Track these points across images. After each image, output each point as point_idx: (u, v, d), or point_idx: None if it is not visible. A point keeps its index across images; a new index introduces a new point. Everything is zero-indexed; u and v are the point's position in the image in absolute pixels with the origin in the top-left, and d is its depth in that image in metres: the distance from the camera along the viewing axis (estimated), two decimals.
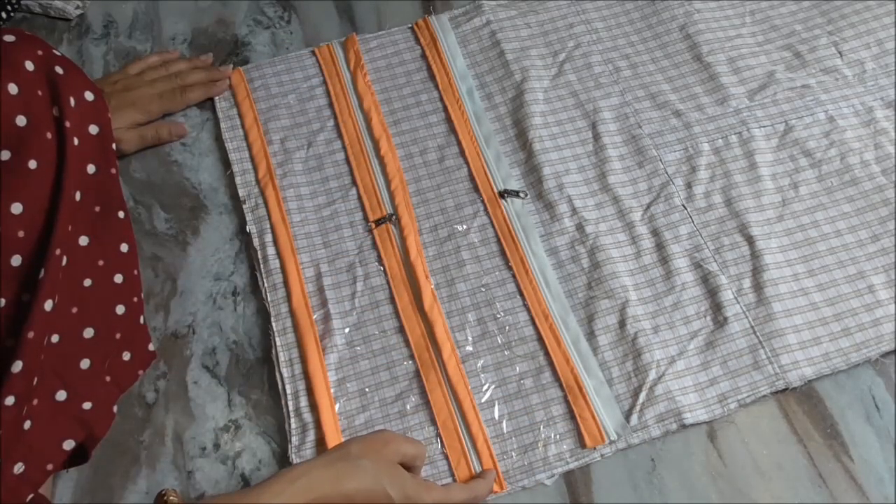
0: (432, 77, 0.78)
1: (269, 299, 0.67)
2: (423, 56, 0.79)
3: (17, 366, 0.49)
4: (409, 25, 0.81)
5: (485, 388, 0.63)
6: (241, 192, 0.72)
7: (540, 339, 0.64)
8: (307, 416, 0.61)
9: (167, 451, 0.60)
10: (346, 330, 0.65)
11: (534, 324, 0.65)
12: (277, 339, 0.65)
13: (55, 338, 0.52)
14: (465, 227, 0.70)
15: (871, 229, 0.68)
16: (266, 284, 0.67)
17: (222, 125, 0.76)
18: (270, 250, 0.69)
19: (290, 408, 0.62)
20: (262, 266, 0.68)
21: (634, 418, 0.60)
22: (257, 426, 0.62)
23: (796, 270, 0.65)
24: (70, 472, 0.59)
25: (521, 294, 0.66)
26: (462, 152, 0.74)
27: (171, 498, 0.48)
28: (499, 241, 0.69)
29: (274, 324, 0.65)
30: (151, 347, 0.62)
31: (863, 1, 0.80)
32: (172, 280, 0.68)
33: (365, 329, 0.66)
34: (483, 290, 0.67)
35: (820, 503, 0.57)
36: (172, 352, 0.65)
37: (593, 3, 0.82)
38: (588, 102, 0.75)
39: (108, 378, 0.57)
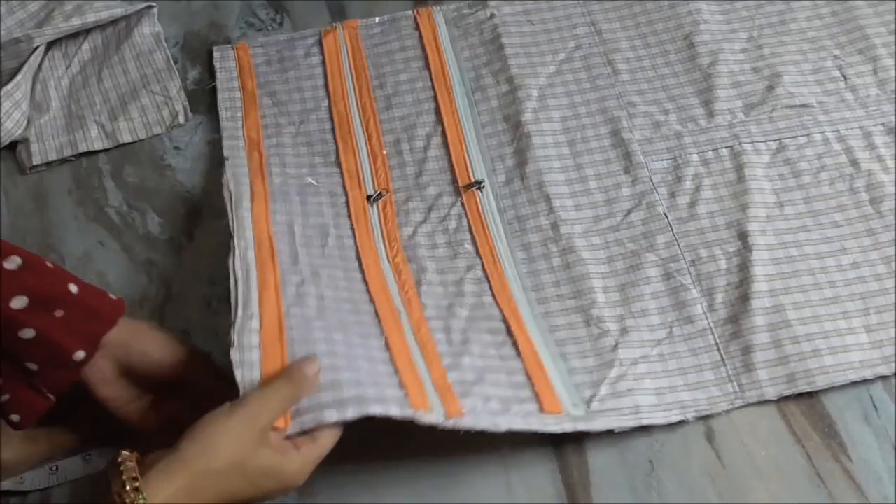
0: (428, 66, 0.79)
1: (234, 227, 0.63)
2: (422, 44, 0.80)
3: None
4: (412, 11, 0.82)
5: (450, 342, 0.62)
6: (225, 153, 0.71)
7: (504, 320, 0.64)
8: (253, 305, 0.58)
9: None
10: (314, 265, 0.64)
11: (499, 307, 0.65)
12: (236, 252, 0.61)
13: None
14: (442, 213, 0.70)
15: (853, 256, 0.67)
16: (234, 217, 0.64)
17: (220, 95, 0.76)
18: (245, 191, 0.66)
19: (238, 296, 0.58)
20: (233, 207, 0.65)
21: (595, 405, 0.60)
22: None
23: (774, 286, 0.65)
24: (68, 474, 0.60)
25: (488, 280, 0.66)
26: (446, 142, 0.74)
27: (128, 463, 0.47)
28: (471, 230, 0.69)
29: (236, 241, 0.62)
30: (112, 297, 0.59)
31: (873, 27, 0.79)
32: (167, 285, 0.68)
33: (332, 271, 0.64)
34: (453, 271, 0.67)
35: (818, 503, 0.57)
36: None
37: (601, 5, 0.82)
38: (581, 104, 0.75)
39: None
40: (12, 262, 0.51)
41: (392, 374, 0.57)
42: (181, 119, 0.76)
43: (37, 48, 0.77)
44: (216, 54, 0.79)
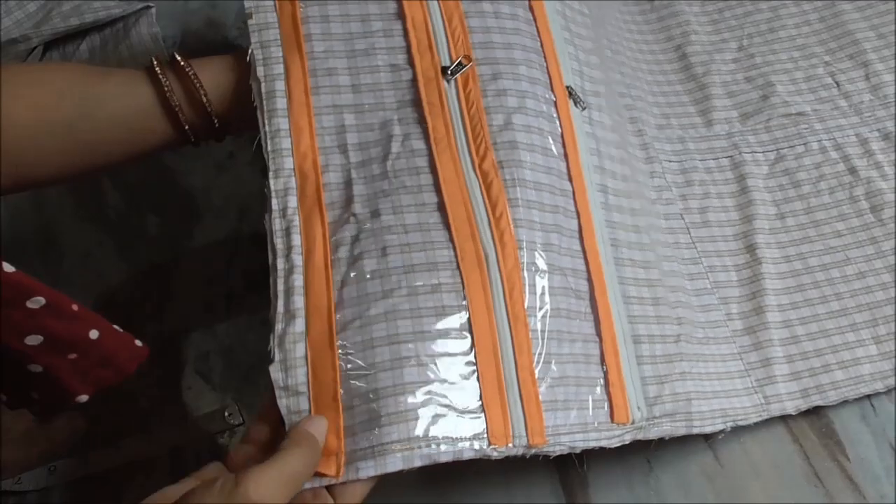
0: None
1: (269, 148, 0.50)
2: None
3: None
4: None
5: (539, 319, 0.49)
6: (247, 6, 0.55)
7: (589, 278, 0.53)
8: (298, 300, 0.47)
9: (161, 459, 0.60)
10: (373, 195, 0.50)
11: (585, 257, 0.53)
12: (274, 202, 0.49)
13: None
14: (539, 107, 0.55)
15: (857, 266, 0.66)
16: (268, 128, 0.51)
17: None
18: (279, 85, 0.52)
19: (279, 286, 0.47)
20: (264, 103, 0.51)
21: (657, 409, 0.53)
22: None
23: (780, 301, 0.64)
24: (66, 474, 0.59)
25: (578, 217, 0.54)
26: (535, 21, 0.58)
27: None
28: (564, 144, 0.55)
29: (272, 182, 0.50)
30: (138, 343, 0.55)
31: (862, 32, 0.79)
32: (166, 285, 0.68)
33: (398, 198, 0.50)
34: (549, 190, 0.53)
35: (816, 503, 0.57)
36: (166, 357, 0.65)
37: None
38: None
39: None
40: (35, 303, 0.51)
41: (474, 386, 0.46)
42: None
43: (35, 49, 0.76)
44: None
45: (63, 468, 0.60)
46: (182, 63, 0.54)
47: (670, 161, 0.70)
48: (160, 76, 0.54)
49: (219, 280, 0.68)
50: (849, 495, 0.57)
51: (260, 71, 0.52)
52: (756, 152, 0.72)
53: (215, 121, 0.55)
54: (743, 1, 0.82)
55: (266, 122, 0.51)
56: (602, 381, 0.50)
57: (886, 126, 0.73)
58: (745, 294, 0.64)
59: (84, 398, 0.52)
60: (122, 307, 0.67)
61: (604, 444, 0.49)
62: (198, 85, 0.54)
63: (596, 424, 0.49)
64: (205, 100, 0.54)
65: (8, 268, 0.45)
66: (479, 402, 0.45)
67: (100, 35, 0.79)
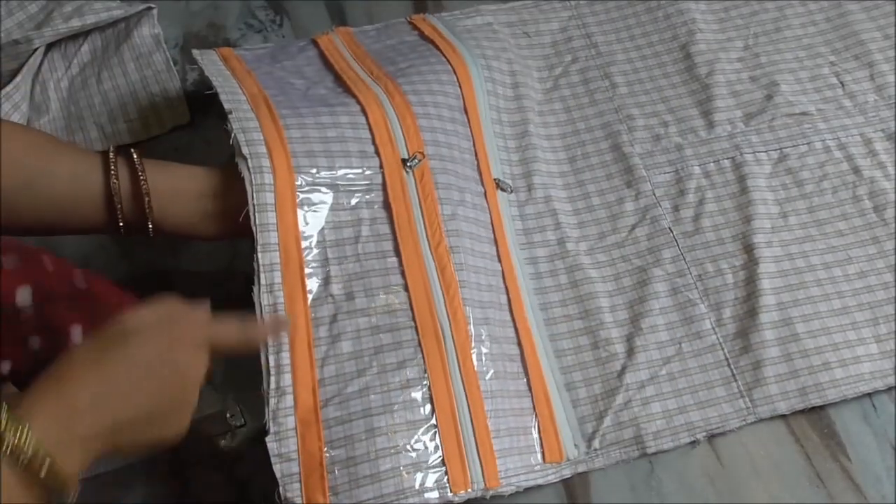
0: (437, 46, 0.71)
1: (256, 222, 0.55)
2: (424, 37, 0.73)
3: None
4: (404, 18, 0.78)
5: (481, 375, 0.57)
6: (226, 106, 0.59)
7: (519, 343, 0.61)
8: (286, 378, 0.53)
9: (162, 460, 0.60)
10: (348, 277, 0.57)
11: (515, 326, 0.62)
12: (262, 277, 0.54)
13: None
14: (474, 200, 0.64)
15: (859, 265, 0.66)
16: (255, 202, 0.55)
17: (207, 72, 0.65)
18: (265, 162, 0.56)
19: (270, 363, 0.53)
20: (252, 178, 0.55)
21: (596, 442, 0.59)
22: (253, 433, 0.61)
23: (782, 299, 0.64)
24: None
25: (507, 292, 0.63)
26: (469, 122, 0.67)
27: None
28: (493, 230, 0.64)
29: (260, 256, 0.55)
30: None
31: (868, 32, 0.79)
32: (168, 288, 0.68)
33: (368, 280, 0.57)
34: (485, 273, 0.61)
35: (818, 503, 0.57)
36: None
37: (595, 18, 0.81)
38: (580, 120, 0.74)
39: None
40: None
41: (437, 445, 0.53)
42: (181, 120, 0.76)
43: (36, 50, 0.76)
44: (195, 52, 0.69)
45: None
46: (137, 164, 0.55)
47: (664, 173, 0.71)
48: (112, 171, 0.54)
49: (220, 282, 0.68)
50: (850, 496, 0.58)
51: (245, 150, 0.56)
52: (759, 152, 0.72)
53: (150, 227, 0.56)
54: (749, 0, 0.82)
55: (254, 195, 0.55)
56: (535, 429, 0.58)
57: (890, 126, 0.74)
58: (740, 296, 0.65)
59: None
60: None
61: (540, 482, 0.56)
62: (146, 190, 0.54)
63: (534, 466, 0.56)
64: (147, 206, 0.54)
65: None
66: (441, 458, 0.52)
67: (101, 36, 0.80)
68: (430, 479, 0.52)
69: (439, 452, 0.53)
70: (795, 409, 0.60)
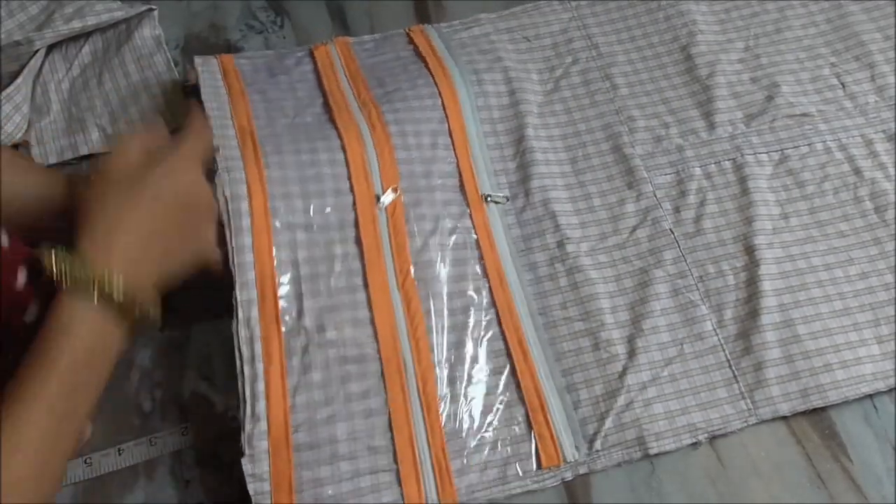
0: (428, 68, 0.75)
1: (235, 261, 0.60)
2: (418, 53, 0.77)
3: None
4: (403, 30, 0.80)
5: (454, 398, 0.61)
6: (215, 142, 0.65)
7: (509, 353, 0.63)
8: (261, 405, 0.58)
9: (164, 461, 0.60)
10: (319, 311, 0.62)
11: (504, 338, 0.63)
12: (240, 312, 0.60)
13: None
14: (451, 224, 0.67)
15: (860, 266, 0.66)
16: (234, 243, 0.61)
17: (203, 92, 0.70)
18: (243, 205, 0.62)
19: (247, 392, 0.58)
20: (231, 220, 0.61)
21: (598, 444, 0.59)
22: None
23: (783, 301, 0.64)
24: (69, 478, 0.59)
25: (495, 305, 0.64)
26: (453, 144, 0.71)
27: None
28: (479, 246, 0.67)
29: (238, 293, 0.60)
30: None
31: (868, 33, 0.79)
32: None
33: (339, 314, 0.62)
34: (460, 297, 0.65)
35: None
36: (168, 360, 0.65)
37: (596, 19, 0.81)
38: (581, 121, 0.74)
39: None
40: None
41: (391, 467, 0.58)
42: (182, 121, 0.76)
43: (37, 51, 0.76)
44: (198, 60, 0.74)
45: (66, 471, 0.60)
46: None
47: (665, 174, 0.71)
48: None
49: (221, 282, 0.68)
50: (851, 496, 0.58)
51: (226, 191, 0.62)
52: (760, 153, 0.72)
53: None
54: (750, 1, 0.82)
55: (233, 237, 0.61)
56: (529, 437, 0.60)
57: (891, 127, 0.73)
58: (741, 298, 0.65)
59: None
60: None
61: (532, 488, 0.58)
62: None
63: (520, 474, 0.58)
64: None
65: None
66: (397, 479, 0.57)
67: (102, 37, 0.80)
68: (387, 498, 0.57)
69: (395, 476, 0.57)
70: (797, 410, 0.60)
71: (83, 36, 0.79)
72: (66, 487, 0.59)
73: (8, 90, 0.74)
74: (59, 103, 0.76)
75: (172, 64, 0.78)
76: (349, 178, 0.66)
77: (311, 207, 0.64)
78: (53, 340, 0.47)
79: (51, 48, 0.78)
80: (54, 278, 0.47)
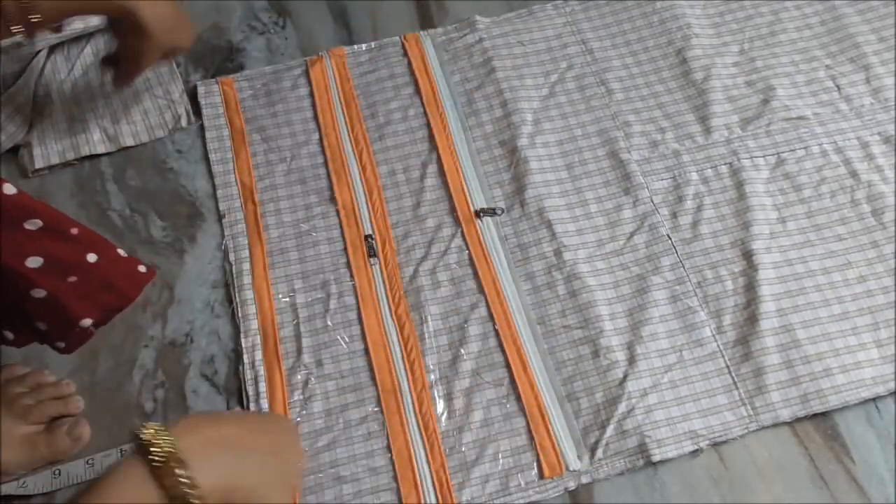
0: (419, 91, 0.77)
1: (240, 315, 0.66)
2: (411, 70, 0.78)
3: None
4: (399, 38, 0.80)
5: (451, 414, 0.62)
6: (221, 207, 0.72)
7: (508, 365, 0.63)
8: None
9: None
10: (317, 347, 0.65)
11: (502, 349, 0.64)
12: (245, 357, 0.64)
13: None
14: (442, 247, 0.69)
15: (858, 270, 0.66)
16: (238, 299, 0.67)
17: (208, 135, 0.75)
18: (245, 266, 0.69)
19: None
20: (234, 280, 0.68)
21: (600, 452, 0.59)
22: None
23: (781, 305, 0.64)
24: (71, 478, 0.60)
25: (493, 318, 0.65)
26: (442, 170, 0.72)
27: (145, 431, 0.45)
28: (472, 263, 0.68)
29: (243, 340, 0.65)
30: (142, 269, 0.62)
31: (863, 35, 0.79)
32: (169, 288, 0.68)
33: (335, 348, 0.65)
34: (456, 314, 0.66)
35: None
36: (170, 361, 0.65)
37: (590, 24, 0.81)
38: (577, 126, 0.74)
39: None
40: (33, 224, 0.51)
41: (392, 486, 0.60)
42: (183, 122, 0.76)
43: (39, 52, 0.76)
44: (201, 89, 0.77)
45: (67, 472, 0.59)
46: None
47: (662, 180, 0.71)
48: None
49: (223, 283, 0.68)
50: (853, 497, 0.58)
51: (231, 256, 0.69)
52: (756, 157, 0.72)
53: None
54: (744, 3, 0.82)
55: (236, 294, 0.67)
56: (529, 447, 0.60)
57: (887, 129, 0.73)
58: (739, 303, 0.65)
59: (88, 322, 0.56)
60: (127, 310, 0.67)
61: (535, 498, 0.59)
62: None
63: (522, 485, 0.59)
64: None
65: (9, 189, 0.47)
66: (398, 498, 0.59)
67: (104, 38, 0.79)
68: None
69: (396, 494, 0.59)
70: (797, 416, 0.60)
71: (85, 37, 0.79)
72: (67, 488, 0.59)
73: (10, 91, 0.73)
74: (61, 104, 0.76)
75: (175, 65, 0.78)
76: (340, 225, 0.71)
77: (307, 257, 0.69)
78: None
79: (53, 49, 0.78)
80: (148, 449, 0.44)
